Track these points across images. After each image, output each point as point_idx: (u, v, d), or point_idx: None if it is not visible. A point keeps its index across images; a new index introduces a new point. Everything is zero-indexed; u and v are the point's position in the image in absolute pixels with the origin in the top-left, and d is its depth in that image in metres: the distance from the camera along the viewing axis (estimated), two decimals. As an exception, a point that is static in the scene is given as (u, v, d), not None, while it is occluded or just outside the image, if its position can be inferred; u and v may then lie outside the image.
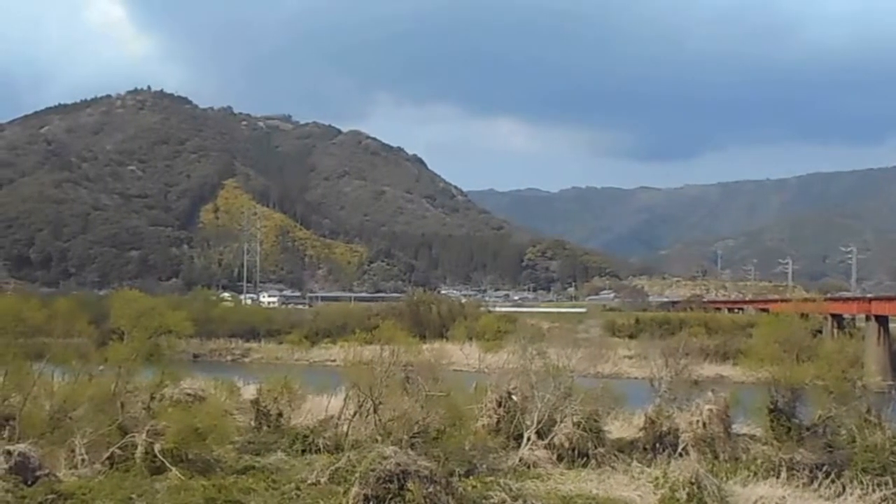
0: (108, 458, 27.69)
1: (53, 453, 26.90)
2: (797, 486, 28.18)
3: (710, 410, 32.81)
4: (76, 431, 28.21)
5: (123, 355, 31.13)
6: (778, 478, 28.87)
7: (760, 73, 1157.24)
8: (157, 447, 27.27)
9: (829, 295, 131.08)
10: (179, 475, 26.05)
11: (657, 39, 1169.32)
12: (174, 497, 23.85)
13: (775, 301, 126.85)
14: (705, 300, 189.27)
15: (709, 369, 58.35)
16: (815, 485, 28.34)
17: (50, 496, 23.21)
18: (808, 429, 33.15)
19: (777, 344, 36.44)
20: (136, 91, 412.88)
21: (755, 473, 29.38)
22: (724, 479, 28.07)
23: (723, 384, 46.12)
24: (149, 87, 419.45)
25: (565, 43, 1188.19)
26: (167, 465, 26.76)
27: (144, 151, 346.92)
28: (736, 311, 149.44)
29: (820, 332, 76.50)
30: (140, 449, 27.54)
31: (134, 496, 23.87)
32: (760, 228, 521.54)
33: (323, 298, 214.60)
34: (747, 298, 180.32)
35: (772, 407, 33.82)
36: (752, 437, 34.19)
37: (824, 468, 29.37)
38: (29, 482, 24.25)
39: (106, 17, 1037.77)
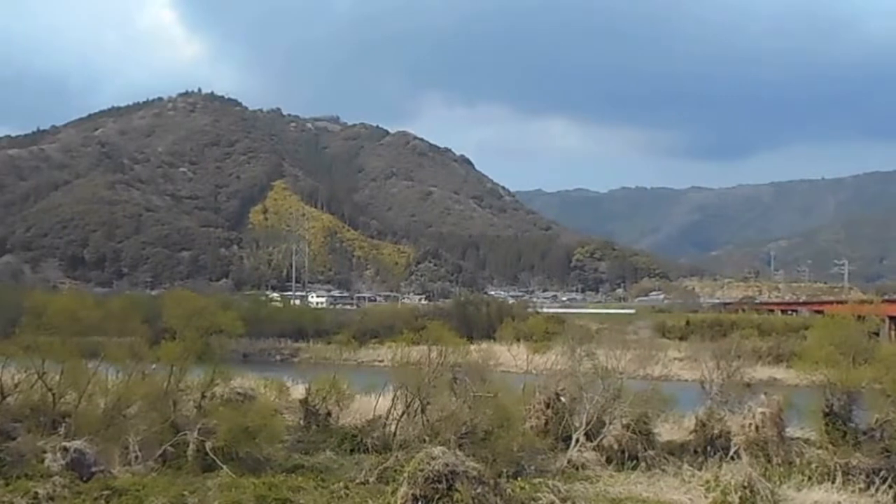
0: (161, 455, 28.05)
1: (108, 450, 27.30)
2: (853, 492, 27.70)
3: (763, 413, 32.27)
4: (130, 429, 28.63)
5: (175, 354, 31.49)
6: (833, 483, 28.39)
7: (816, 70, 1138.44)
8: (208, 445, 27.55)
9: (886, 296, 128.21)
10: (230, 473, 26.30)
11: (712, 37, 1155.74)
12: (225, 494, 24.07)
13: (830, 303, 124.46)
14: (758, 302, 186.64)
15: (761, 372, 57.33)
16: (872, 490, 27.83)
17: (105, 492, 23.58)
18: (864, 433, 32.46)
19: (832, 346, 35.75)
20: (186, 94, 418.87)
21: (809, 478, 28.90)
22: (778, 483, 27.67)
23: (776, 387, 45.32)
24: (199, 90, 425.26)
25: (617, 41, 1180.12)
26: (218, 462, 27.03)
27: (195, 153, 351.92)
28: (789, 312, 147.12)
29: (877, 334, 74.76)
30: (192, 447, 27.86)
31: (186, 493, 24.14)
32: (815, 229, 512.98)
33: (369, 299, 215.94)
34: (801, 300, 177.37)
35: (827, 410, 33.18)
36: (807, 440, 33.55)
37: (881, 473, 28.80)
38: (84, 478, 24.67)
39: (157, 21, 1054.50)
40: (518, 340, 80.00)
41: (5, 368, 31.33)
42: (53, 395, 30.02)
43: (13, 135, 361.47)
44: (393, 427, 32.79)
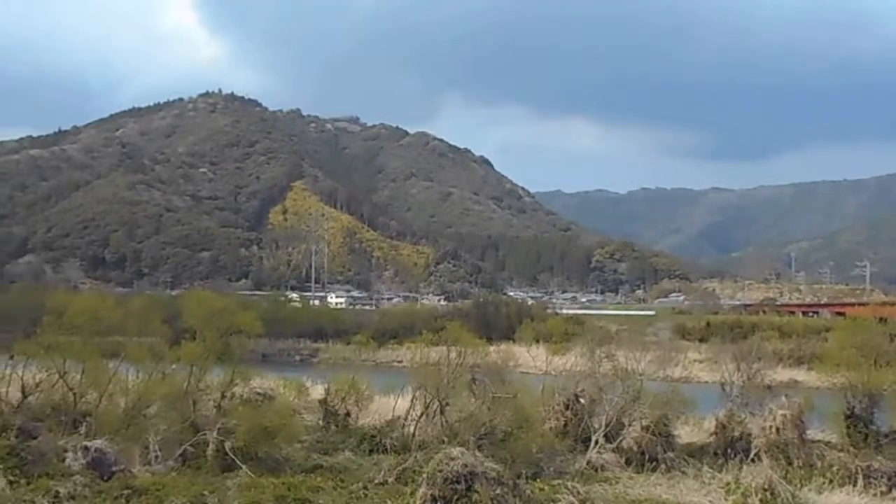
0: (181, 454, 28.18)
1: (128, 449, 27.45)
2: (875, 495, 27.49)
3: (784, 416, 32.06)
4: (150, 428, 28.80)
5: (195, 354, 31.63)
6: (854, 486, 28.17)
7: (839, 69, 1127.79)
8: (227, 445, 27.66)
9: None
10: (249, 473, 26.38)
11: (733, 38, 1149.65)
12: (244, 494, 24.15)
13: (852, 305, 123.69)
14: (779, 303, 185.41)
15: (782, 374, 56.93)
16: (894, 493, 27.60)
17: (125, 491, 23.72)
18: (886, 436, 32.25)
19: (854, 348, 35.51)
20: (207, 94, 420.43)
21: (831, 481, 28.69)
22: (798, 486, 27.49)
23: (797, 389, 45.12)
24: (219, 91, 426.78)
25: (636, 41, 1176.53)
26: (237, 462, 27.12)
27: (215, 154, 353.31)
28: (811, 314, 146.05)
29: (899, 336, 74.21)
30: (211, 446, 27.97)
31: (205, 493, 24.22)
32: (837, 230, 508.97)
33: (388, 300, 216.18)
34: (822, 302, 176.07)
35: (848, 413, 32.98)
36: (828, 443, 33.32)
37: (903, 476, 28.56)
38: (105, 477, 24.82)
39: (178, 22, 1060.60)
40: (537, 342, 79.73)
41: (27, 368, 31.61)
42: (74, 394, 30.22)
43: (35, 135, 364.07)
44: (412, 428, 32.80)
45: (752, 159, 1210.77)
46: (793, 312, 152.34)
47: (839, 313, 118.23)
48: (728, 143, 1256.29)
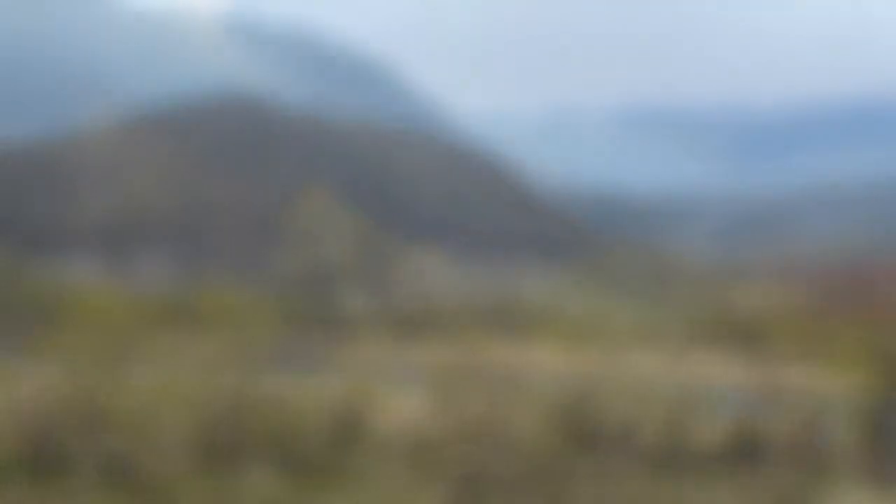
0: (194, 454, 28.22)
1: (140, 449, 27.51)
2: (892, 499, 27.32)
3: (799, 418, 31.95)
4: (164, 428, 28.83)
5: (210, 354, 31.66)
6: (871, 490, 28.04)
7: (854, 69, 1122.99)
8: (241, 444, 27.68)
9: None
10: (261, 472, 26.39)
11: (746, 38, 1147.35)
12: (257, 494, 24.16)
13: (867, 306, 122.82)
14: (793, 305, 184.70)
15: (797, 375, 56.87)
16: (911, 496, 27.45)
17: (137, 491, 23.75)
18: (903, 438, 32.09)
19: (871, 350, 35.36)
20: (219, 95, 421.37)
21: (846, 484, 28.55)
22: (813, 488, 27.35)
23: (812, 391, 44.89)
24: (232, 92, 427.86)
25: (654, 41, 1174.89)
26: (251, 462, 27.13)
27: (227, 155, 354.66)
28: (826, 315, 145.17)
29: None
30: (225, 446, 28.00)
31: (217, 492, 24.24)
32: (851, 231, 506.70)
33: (401, 300, 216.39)
34: (838, 304, 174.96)
35: (865, 415, 32.82)
36: (843, 446, 33.14)
37: (921, 480, 28.42)
38: (117, 477, 24.86)
39: (191, 21, 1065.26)
40: (549, 342, 79.62)
41: (41, 367, 31.69)
42: (89, 393, 30.27)
43: (48, 134, 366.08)
44: (424, 427, 32.77)
45: (766, 161, 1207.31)
46: (808, 314, 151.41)
47: (855, 314, 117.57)
48: (740, 143, 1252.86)
